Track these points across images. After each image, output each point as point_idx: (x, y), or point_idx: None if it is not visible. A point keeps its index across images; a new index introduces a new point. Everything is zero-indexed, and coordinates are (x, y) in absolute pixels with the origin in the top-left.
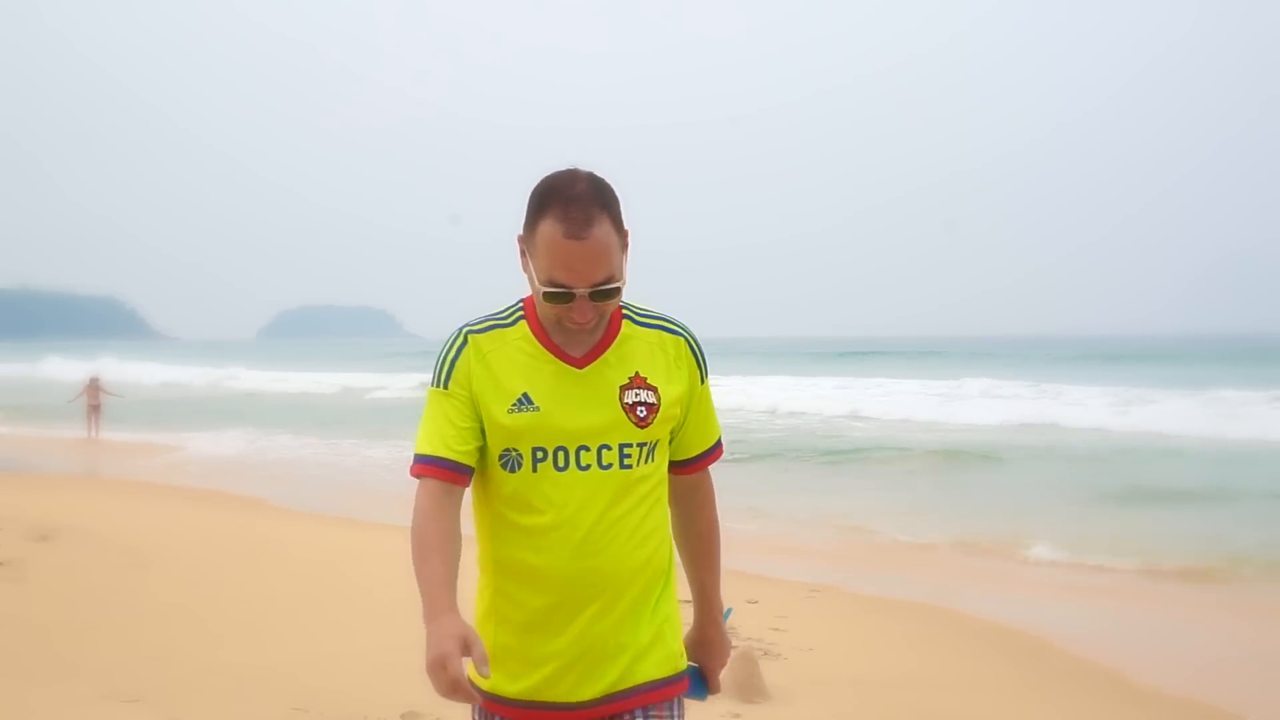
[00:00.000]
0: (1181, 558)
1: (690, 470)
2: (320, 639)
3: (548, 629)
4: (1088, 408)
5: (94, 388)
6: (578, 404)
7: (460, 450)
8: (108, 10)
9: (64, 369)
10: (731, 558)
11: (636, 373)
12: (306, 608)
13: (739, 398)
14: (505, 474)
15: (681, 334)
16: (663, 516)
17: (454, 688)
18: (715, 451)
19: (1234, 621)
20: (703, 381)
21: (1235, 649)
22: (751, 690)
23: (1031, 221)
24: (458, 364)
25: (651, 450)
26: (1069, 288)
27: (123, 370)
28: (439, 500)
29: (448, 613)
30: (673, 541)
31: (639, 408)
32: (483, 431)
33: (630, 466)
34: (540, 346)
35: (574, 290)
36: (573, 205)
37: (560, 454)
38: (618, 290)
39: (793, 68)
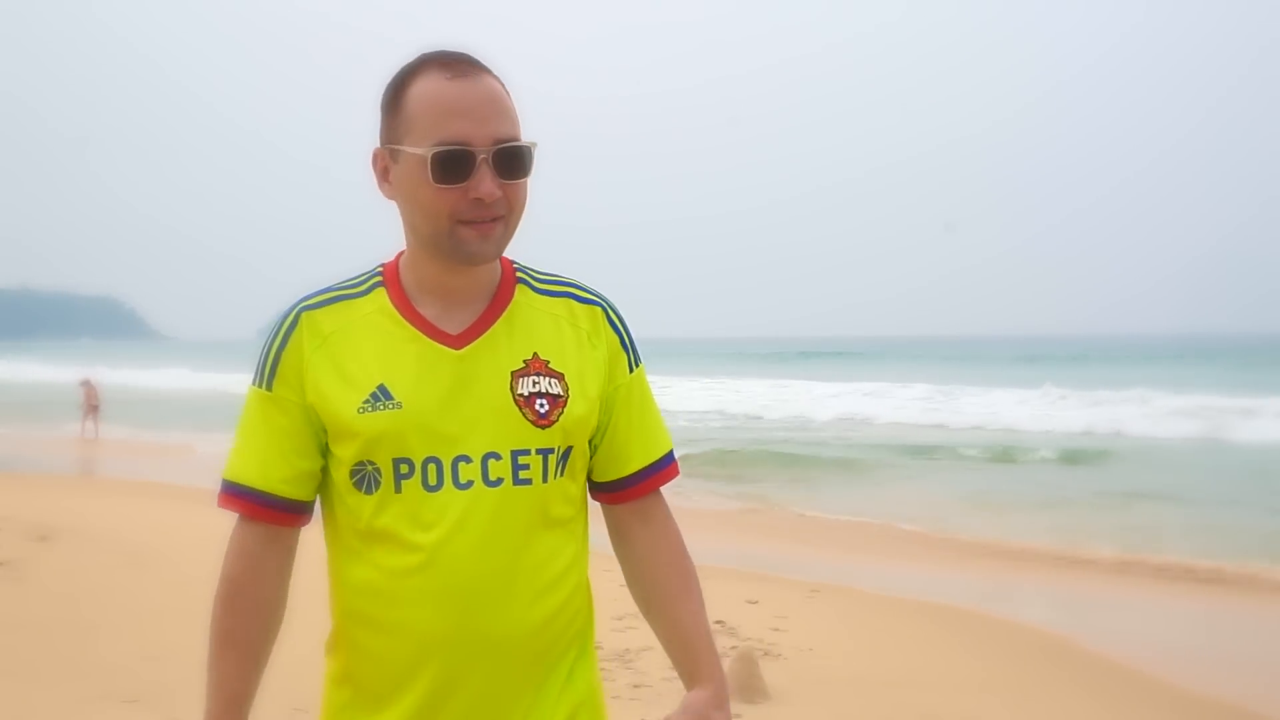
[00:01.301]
0: (1198, 557)
1: (631, 494)
2: (320, 638)
3: (412, 708)
4: (1079, 409)
5: (90, 389)
6: (453, 397)
7: (287, 479)
8: (113, 14)
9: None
10: (730, 559)
11: (535, 354)
12: (306, 607)
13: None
14: (361, 496)
15: (598, 303)
16: (579, 556)
17: None
18: (665, 468)
19: (1260, 620)
20: (632, 369)
21: (1261, 648)
22: (751, 690)
23: (989, 207)
24: (285, 354)
25: (562, 460)
26: (1022, 280)
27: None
28: (256, 557)
29: None
30: (632, 594)
31: (538, 400)
32: (323, 447)
33: (529, 482)
34: (402, 320)
35: (472, 148)
36: (453, 56)
37: (431, 467)
38: (528, 157)
39: (743, 47)
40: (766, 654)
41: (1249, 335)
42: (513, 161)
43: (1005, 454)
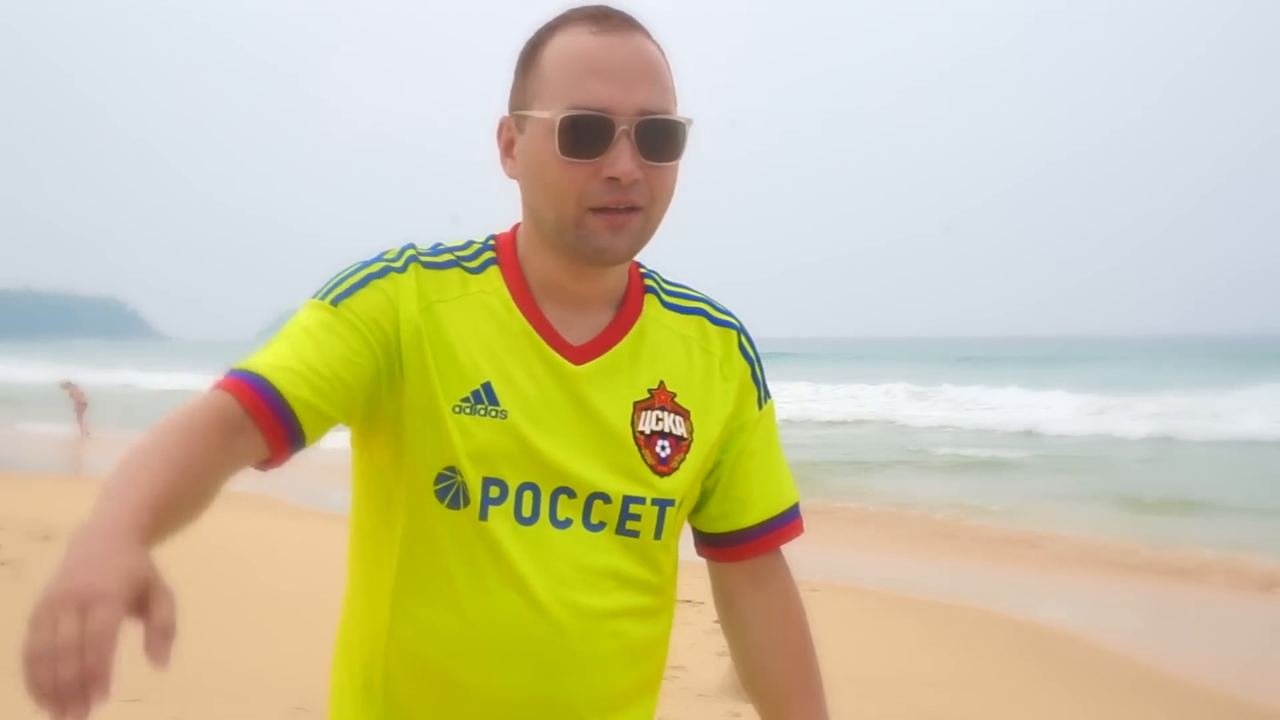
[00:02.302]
0: (1211, 557)
1: (747, 552)
2: (322, 638)
3: None
4: (1082, 409)
5: (74, 389)
6: (565, 422)
7: (307, 396)
8: (104, 13)
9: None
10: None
11: (662, 383)
12: (308, 607)
13: None
14: (442, 510)
15: (733, 325)
16: (667, 634)
17: (92, 653)
18: (790, 523)
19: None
20: (761, 404)
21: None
22: None
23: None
24: (375, 286)
25: (671, 515)
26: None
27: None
28: (224, 425)
29: (128, 537)
30: (739, 676)
31: (660, 441)
32: (376, 380)
33: (635, 534)
34: (520, 315)
35: (612, 116)
36: (605, 10)
37: (527, 495)
38: (680, 136)
39: (817, 90)
40: None
41: (1247, 336)
42: (659, 138)
43: (1004, 451)
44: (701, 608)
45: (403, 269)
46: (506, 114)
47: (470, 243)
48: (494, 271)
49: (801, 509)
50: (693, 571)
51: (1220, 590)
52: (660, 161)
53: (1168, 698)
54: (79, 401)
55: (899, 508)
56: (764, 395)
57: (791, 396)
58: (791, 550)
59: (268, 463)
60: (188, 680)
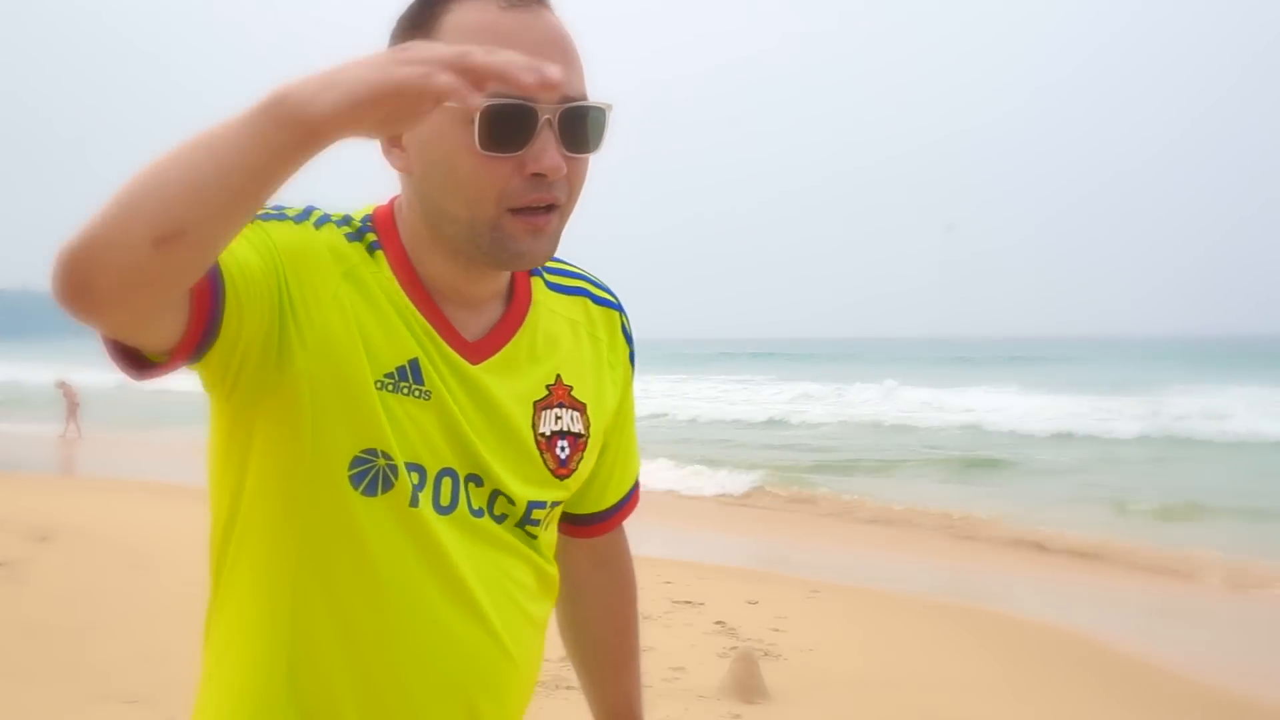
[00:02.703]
0: (1212, 557)
1: (597, 531)
2: None
3: None
4: (1080, 409)
5: (69, 389)
6: (472, 417)
7: (239, 284)
8: (113, 12)
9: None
10: (730, 558)
11: (558, 377)
12: None
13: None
14: (358, 498)
15: (615, 306)
16: (551, 609)
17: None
18: (633, 498)
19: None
20: (630, 384)
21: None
22: (751, 690)
23: (987, 204)
24: (291, 226)
25: (561, 508)
26: (1016, 278)
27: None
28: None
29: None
30: (562, 638)
31: (560, 443)
32: (263, 350)
33: (535, 537)
34: (413, 307)
35: (536, 104)
36: None
37: (446, 483)
38: (603, 123)
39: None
40: (766, 654)
41: (1248, 335)
42: (582, 127)
43: (1004, 451)
44: (702, 608)
45: (317, 226)
46: None
47: (349, 218)
48: (381, 257)
49: (800, 508)
50: (694, 572)
51: (1220, 590)
52: (582, 153)
53: (1169, 697)
54: (72, 402)
55: (900, 507)
56: (633, 374)
57: (791, 396)
58: (793, 551)
59: (156, 367)
60: (187, 680)
